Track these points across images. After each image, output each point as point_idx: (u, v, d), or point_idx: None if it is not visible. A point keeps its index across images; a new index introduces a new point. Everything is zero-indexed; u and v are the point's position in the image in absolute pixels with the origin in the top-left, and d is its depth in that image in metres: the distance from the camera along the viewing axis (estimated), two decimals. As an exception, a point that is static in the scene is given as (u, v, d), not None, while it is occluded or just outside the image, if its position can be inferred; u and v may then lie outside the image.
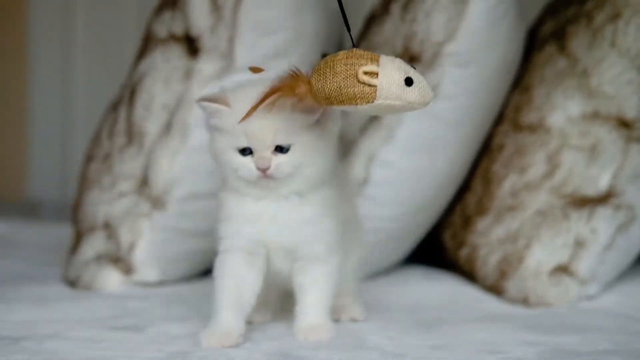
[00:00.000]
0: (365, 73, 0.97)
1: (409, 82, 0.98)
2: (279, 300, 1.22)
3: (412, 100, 0.98)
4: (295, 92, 0.99)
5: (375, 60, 0.98)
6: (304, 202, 1.09)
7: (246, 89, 1.06)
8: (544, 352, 1.08)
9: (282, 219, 1.09)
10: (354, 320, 1.21)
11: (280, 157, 1.06)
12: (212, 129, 1.09)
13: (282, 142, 1.06)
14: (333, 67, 0.98)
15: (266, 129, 1.05)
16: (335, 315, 1.19)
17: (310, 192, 1.09)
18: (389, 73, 0.97)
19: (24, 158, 2.72)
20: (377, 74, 0.97)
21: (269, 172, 1.06)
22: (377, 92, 0.97)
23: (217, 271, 1.11)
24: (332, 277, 1.13)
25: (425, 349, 1.08)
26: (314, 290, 1.12)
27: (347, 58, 0.98)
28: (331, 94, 0.97)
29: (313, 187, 1.09)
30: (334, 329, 1.12)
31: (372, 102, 0.97)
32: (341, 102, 0.97)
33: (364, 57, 0.98)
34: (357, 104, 0.97)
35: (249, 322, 1.14)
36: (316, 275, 1.12)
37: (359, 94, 0.97)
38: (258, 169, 1.06)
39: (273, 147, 1.06)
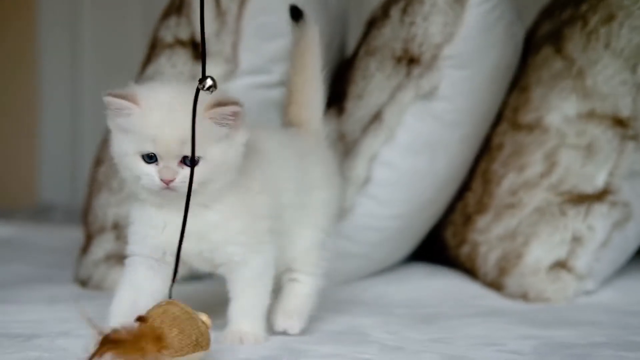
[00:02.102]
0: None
1: None
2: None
3: None
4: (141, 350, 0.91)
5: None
6: (206, 210, 1.03)
7: (159, 92, 1.01)
8: (539, 345, 1.11)
9: (189, 228, 1.02)
10: (285, 332, 1.13)
11: (187, 171, 1.00)
12: (116, 129, 1.02)
13: (189, 152, 0.99)
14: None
15: (176, 136, 0.99)
16: (273, 319, 1.14)
17: (212, 202, 1.04)
18: None
19: (35, 164, 2.76)
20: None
21: (173, 184, 1.00)
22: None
23: (120, 277, 1.09)
24: (256, 279, 1.08)
25: (423, 342, 1.12)
26: (240, 296, 1.07)
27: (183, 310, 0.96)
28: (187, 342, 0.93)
29: (215, 199, 1.04)
30: (264, 336, 1.08)
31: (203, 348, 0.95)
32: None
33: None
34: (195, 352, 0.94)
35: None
36: (238, 280, 1.07)
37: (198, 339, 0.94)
38: (161, 179, 1.00)
39: (180, 158, 1.00)
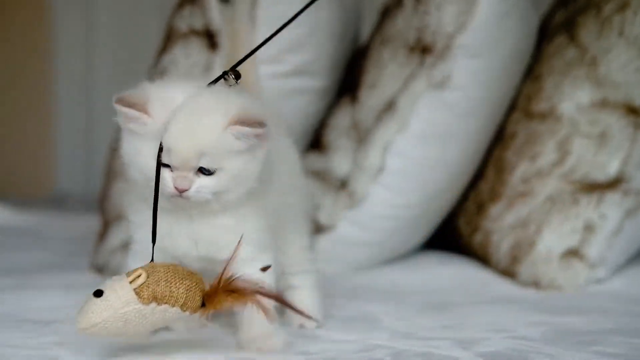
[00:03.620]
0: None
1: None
2: None
3: None
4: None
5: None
6: (221, 214, 1.00)
7: (172, 98, 0.97)
8: (548, 332, 1.12)
9: (194, 234, 1.01)
10: (302, 327, 1.12)
11: (203, 180, 0.97)
12: (127, 130, 0.98)
13: (207, 165, 0.96)
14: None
15: (190, 149, 0.95)
16: (291, 318, 1.13)
17: (227, 209, 1.00)
18: None
19: (51, 154, 2.78)
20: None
21: (186, 194, 0.96)
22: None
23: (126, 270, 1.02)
24: (266, 276, 1.01)
25: (434, 329, 1.13)
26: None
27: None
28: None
29: (227, 209, 1.00)
30: (285, 337, 1.03)
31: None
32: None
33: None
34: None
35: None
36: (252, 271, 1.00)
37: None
38: (175, 187, 0.96)
39: (196, 168, 0.96)
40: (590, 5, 1.53)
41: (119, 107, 0.97)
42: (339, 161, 1.56)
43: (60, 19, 2.70)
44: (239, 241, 0.96)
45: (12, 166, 2.79)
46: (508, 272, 1.48)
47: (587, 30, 1.50)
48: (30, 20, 2.76)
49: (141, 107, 0.96)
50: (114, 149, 1.62)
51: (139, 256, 1.03)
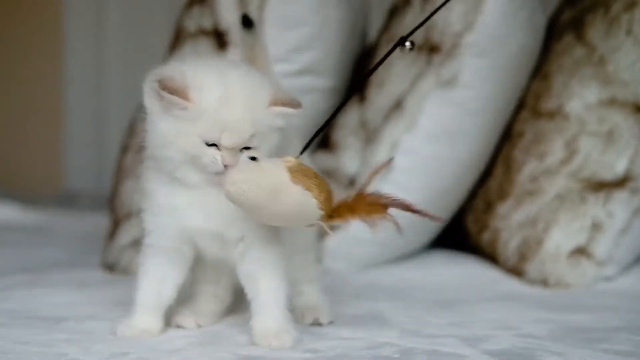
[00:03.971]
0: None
1: None
2: (231, 294, 1.15)
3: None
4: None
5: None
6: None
7: (215, 82, 0.99)
8: (555, 329, 1.12)
9: (216, 205, 1.01)
10: (317, 323, 1.13)
11: (245, 156, 1.00)
12: (161, 112, 0.99)
13: (255, 144, 1.00)
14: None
15: (249, 130, 0.99)
16: (299, 316, 1.14)
17: None
18: None
19: (61, 152, 2.80)
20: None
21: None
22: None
23: (140, 266, 1.08)
24: (278, 261, 1.05)
25: (441, 326, 1.14)
26: (266, 281, 1.03)
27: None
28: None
29: None
30: (296, 334, 1.03)
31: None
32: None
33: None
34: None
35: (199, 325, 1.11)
36: (262, 261, 1.04)
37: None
38: (224, 164, 0.99)
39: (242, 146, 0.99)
40: (598, 4, 1.53)
41: (163, 93, 0.97)
42: (348, 160, 1.57)
43: (71, 19, 2.71)
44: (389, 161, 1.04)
45: (23, 164, 2.81)
46: (516, 270, 1.48)
47: (595, 29, 1.51)
48: (42, 20, 2.78)
49: (183, 93, 0.97)
50: (126, 148, 1.63)
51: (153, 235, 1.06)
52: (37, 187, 2.76)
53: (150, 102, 1.00)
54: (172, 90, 0.97)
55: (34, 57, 2.78)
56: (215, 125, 0.98)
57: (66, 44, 2.73)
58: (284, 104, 1.01)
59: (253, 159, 0.99)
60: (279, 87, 1.04)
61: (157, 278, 1.07)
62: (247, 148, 1.00)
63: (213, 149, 0.99)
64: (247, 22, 1.14)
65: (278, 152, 1.02)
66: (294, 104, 1.01)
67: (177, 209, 1.03)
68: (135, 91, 1.86)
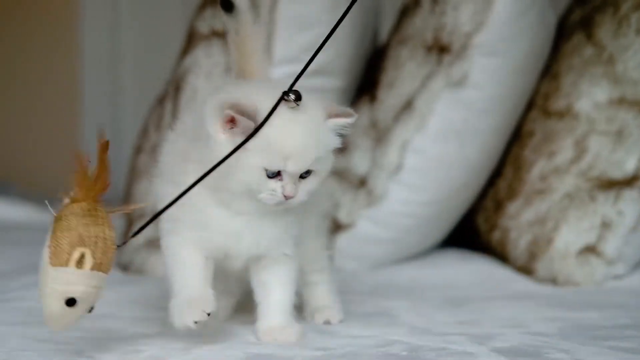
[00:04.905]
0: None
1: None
2: (240, 291, 1.16)
3: None
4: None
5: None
6: (280, 216, 1.02)
7: (265, 99, 0.96)
8: (564, 327, 1.14)
9: (268, 231, 1.02)
10: (327, 323, 1.14)
11: (302, 184, 0.98)
12: (223, 138, 0.96)
13: (314, 167, 0.98)
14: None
15: (313, 156, 0.96)
16: (309, 316, 1.15)
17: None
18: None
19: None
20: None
21: (291, 200, 0.97)
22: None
23: (176, 256, 1.04)
24: (294, 274, 1.06)
25: (451, 325, 1.15)
26: (279, 289, 1.04)
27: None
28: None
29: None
30: (301, 330, 1.05)
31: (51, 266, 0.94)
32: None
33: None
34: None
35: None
36: (281, 273, 1.04)
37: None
38: (284, 195, 0.97)
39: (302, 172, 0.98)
40: (607, 3, 1.53)
41: (234, 114, 0.94)
42: (358, 160, 1.58)
43: (86, 23, 2.74)
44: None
45: (40, 164, 2.84)
46: (526, 269, 1.49)
47: (605, 29, 1.51)
48: (58, 23, 2.80)
49: (253, 116, 0.95)
50: (139, 149, 1.65)
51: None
52: (55, 188, 2.79)
53: (215, 129, 0.96)
54: (240, 111, 0.94)
55: (50, 60, 2.81)
56: (281, 153, 0.95)
57: (82, 47, 2.75)
58: (338, 116, 0.98)
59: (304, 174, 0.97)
60: (327, 101, 1.01)
61: (199, 266, 1.03)
62: (307, 173, 0.98)
63: (273, 181, 0.97)
64: (226, 6, 1.08)
65: None
66: (348, 113, 0.99)
67: (225, 233, 1.01)
68: (148, 95, 1.89)
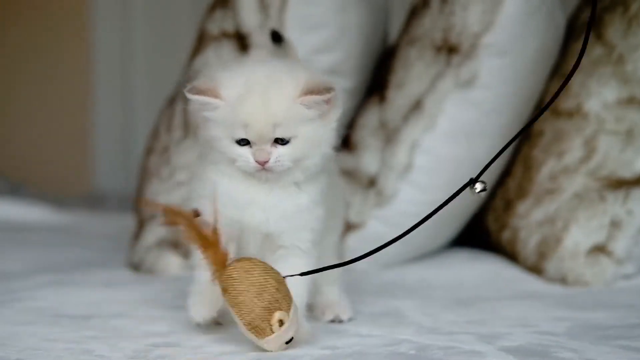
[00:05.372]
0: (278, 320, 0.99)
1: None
2: None
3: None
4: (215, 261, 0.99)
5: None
6: (300, 190, 1.06)
7: (241, 77, 1.02)
8: (573, 327, 1.13)
9: (277, 207, 1.05)
10: (338, 319, 1.16)
11: (280, 150, 1.02)
12: (203, 118, 1.04)
13: (282, 135, 1.01)
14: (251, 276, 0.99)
15: (266, 122, 1.01)
16: (319, 313, 1.16)
17: (308, 180, 1.06)
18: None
19: (89, 153, 2.84)
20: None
21: (268, 165, 1.02)
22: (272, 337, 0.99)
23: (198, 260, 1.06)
24: (310, 268, 1.07)
25: (459, 324, 1.15)
26: (294, 285, 1.03)
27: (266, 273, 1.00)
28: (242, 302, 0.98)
29: (311, 177, 1.05)
30: (311, 329, 1.06)
31: (261, 339, 0.98)
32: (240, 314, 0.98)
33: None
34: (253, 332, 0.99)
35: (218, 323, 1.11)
36: (295, 268, 1.05)
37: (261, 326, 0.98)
38: (256, 161, 1.02)
39: (272, 140, 1.02)
40: (617, 3, 1.53)
41: (192, 97, 1.02)
42: (368, 160, 1.58)
43: (98, 24, 2.75)
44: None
45: (51, 165, 2.86)
46: (535, 269, 1.49)
47: (614, 28, 1.51)
48: (69, 24, 2.82)
49: (212, 92, 1.02)
50: (150, 150, 1.66)
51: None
52: (66, 188, 2.80)
53: (195, 113, 1.04)
54: (201, 91, 1.02)
55: (62, 60, 2.83)
56: (237, 120, 1.01)
57: (94, 48, 2.77)
58: (312, 92, 1.01)
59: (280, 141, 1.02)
60: (312, 75, 1.04)
61: None
62: (281, 141, 1.02)
63: (244, 148, 1.02)
64: (276, 38, 1.20)
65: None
66: (324, 89, 1.02)
67: (236, 206, 1.04)
68: (160, 96, 1.90)
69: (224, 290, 0.99)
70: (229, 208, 1.04)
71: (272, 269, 1.01)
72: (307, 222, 1.07)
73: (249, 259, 1.01)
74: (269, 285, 0.99)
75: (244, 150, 1.02)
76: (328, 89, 1.02)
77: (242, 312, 0.99)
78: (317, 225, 1.07)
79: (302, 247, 1.07)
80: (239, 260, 1.01)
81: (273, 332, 0.99)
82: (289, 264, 1.06)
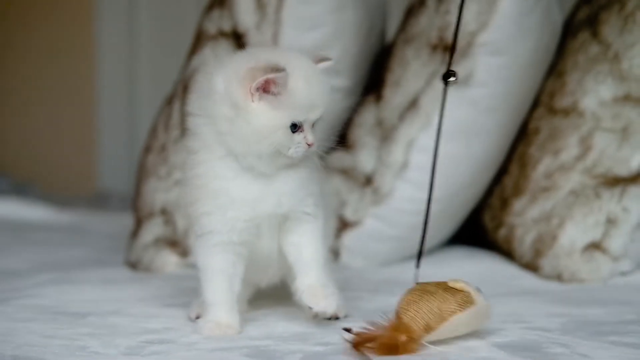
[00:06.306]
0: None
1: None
2: (252, 290, 1.20)
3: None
4: (397, 344, 0.99)
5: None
6: (296, 168, 1.08)
7: (294, 59, 1.05)
8: (567, 323, 1.14)
9: (278, 194, 1.07)
10: (334, 317, 1.15)
11: (314, 132, 1.06)
12: (259, 107, 1.02)
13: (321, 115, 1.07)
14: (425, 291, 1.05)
15: (326, 99, 1.05)
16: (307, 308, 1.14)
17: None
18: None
19: (93, 153, 2.86)
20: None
21: (312, 148, 1.05)
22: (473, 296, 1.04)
23: (207, 266, 1.10)
24: (320, 232, 1.11)
25: (453, 320, 1.15)
26: (309, 247, 1.09)
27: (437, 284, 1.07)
28: (430, 317, 1.02)
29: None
30: (338, 295, 1.11)
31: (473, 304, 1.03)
32: (442, 321, 1.02)
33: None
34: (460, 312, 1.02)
35: None
36: (308, 233, 1.10)
37: (460, 302, 1.03)
38: (308, 144, 1.05)
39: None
40: (613, 1, 1.54)
41: (271, 76, 1.01)
42: (365, 158, 1.59)
43: (103, 19, 2.76)
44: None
45: (57, 166, 2.87)
46: (531, 266, 1.50)
47: (610, 26, 1.52)
48: (74, 24, 2.84)
49: (278, 69, 1.02)
50: (148, 148, 1.67)
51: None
52: (71, 189, 2.82)
53: (241, 93, 1.02)
54: (270, 69, 1.01)
55: (67, 60, 2.84)
56: (305, 104, 1.03)
57: (98, 47, 2.78)
58: (322, 61, 1.08)
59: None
60: (306, 52, 1.09)
61: (228, 274, 1.10)
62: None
63: (297, 134, 1.04)
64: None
65: None
66: (328, 57, 1.09)
67: (250, 200, 1.07)
68: (165, 95, 1.91)
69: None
70: (243, 209, 1.06)
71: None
72: (309, 187, 1.09)
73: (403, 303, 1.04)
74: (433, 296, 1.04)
75: (299, 136, 1.04)
76: (330, 57, 1.10)
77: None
78: (316, 188, 1.11)
79: (308, 211, 1.10)
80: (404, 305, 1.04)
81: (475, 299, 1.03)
82: (302, 231, 1.10)
